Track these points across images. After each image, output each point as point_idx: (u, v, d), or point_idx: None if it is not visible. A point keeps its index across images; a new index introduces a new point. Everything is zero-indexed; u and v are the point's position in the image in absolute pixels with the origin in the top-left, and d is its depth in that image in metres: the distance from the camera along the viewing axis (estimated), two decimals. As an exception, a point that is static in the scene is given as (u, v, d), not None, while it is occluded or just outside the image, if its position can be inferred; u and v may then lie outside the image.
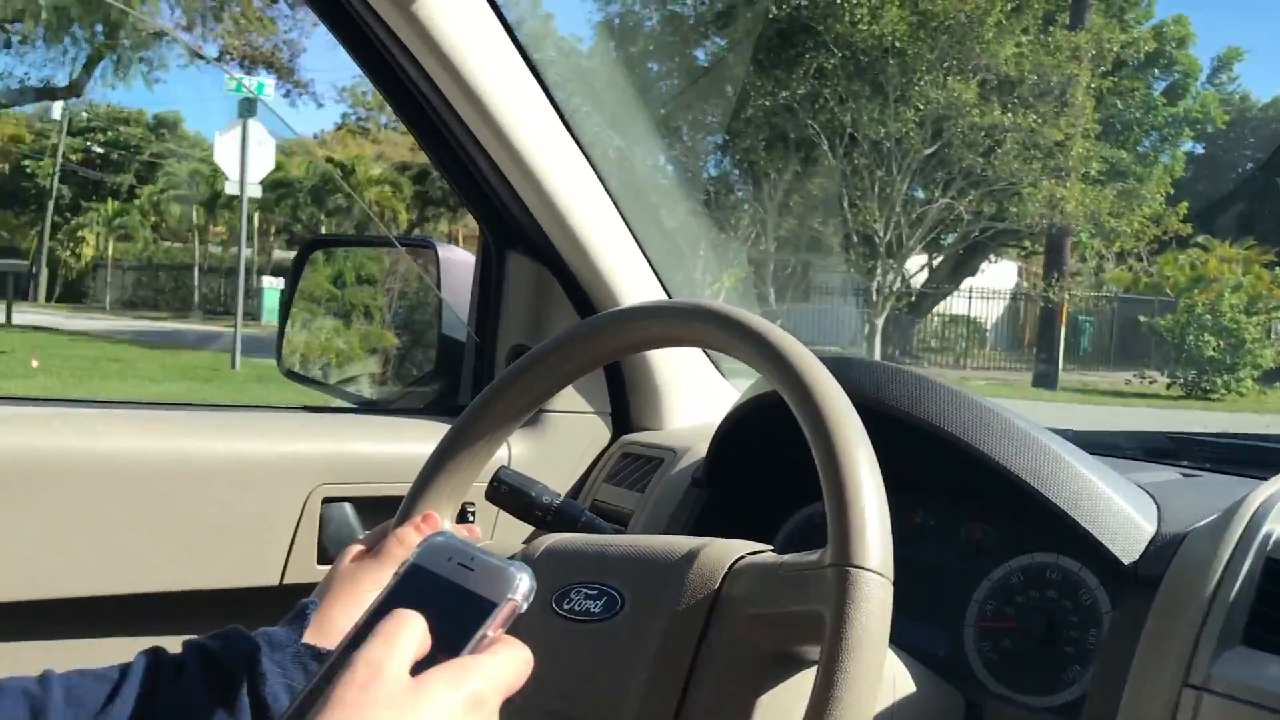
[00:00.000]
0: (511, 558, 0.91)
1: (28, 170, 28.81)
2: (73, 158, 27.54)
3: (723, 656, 0.76)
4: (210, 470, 1.27)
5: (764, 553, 0.81)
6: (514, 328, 1.53)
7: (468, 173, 1.44)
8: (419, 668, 0.58)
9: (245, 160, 14.54)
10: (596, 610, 0.82)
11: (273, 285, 26.41)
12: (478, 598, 0.61)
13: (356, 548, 0.97)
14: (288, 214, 29.97)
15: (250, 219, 30.37)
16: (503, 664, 0.60)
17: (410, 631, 0.59)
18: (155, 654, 0.86)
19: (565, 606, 0.84)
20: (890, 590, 0.68)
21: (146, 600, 1.22)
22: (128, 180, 29.17)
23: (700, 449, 1.32)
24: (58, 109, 27.43)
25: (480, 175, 1.43)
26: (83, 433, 1.22)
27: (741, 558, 0.80)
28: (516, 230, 1.50)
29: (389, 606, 0.61)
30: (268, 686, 0.84)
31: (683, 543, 0.84)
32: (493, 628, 0.60)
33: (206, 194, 28.86)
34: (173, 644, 0.89)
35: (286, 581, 1.30)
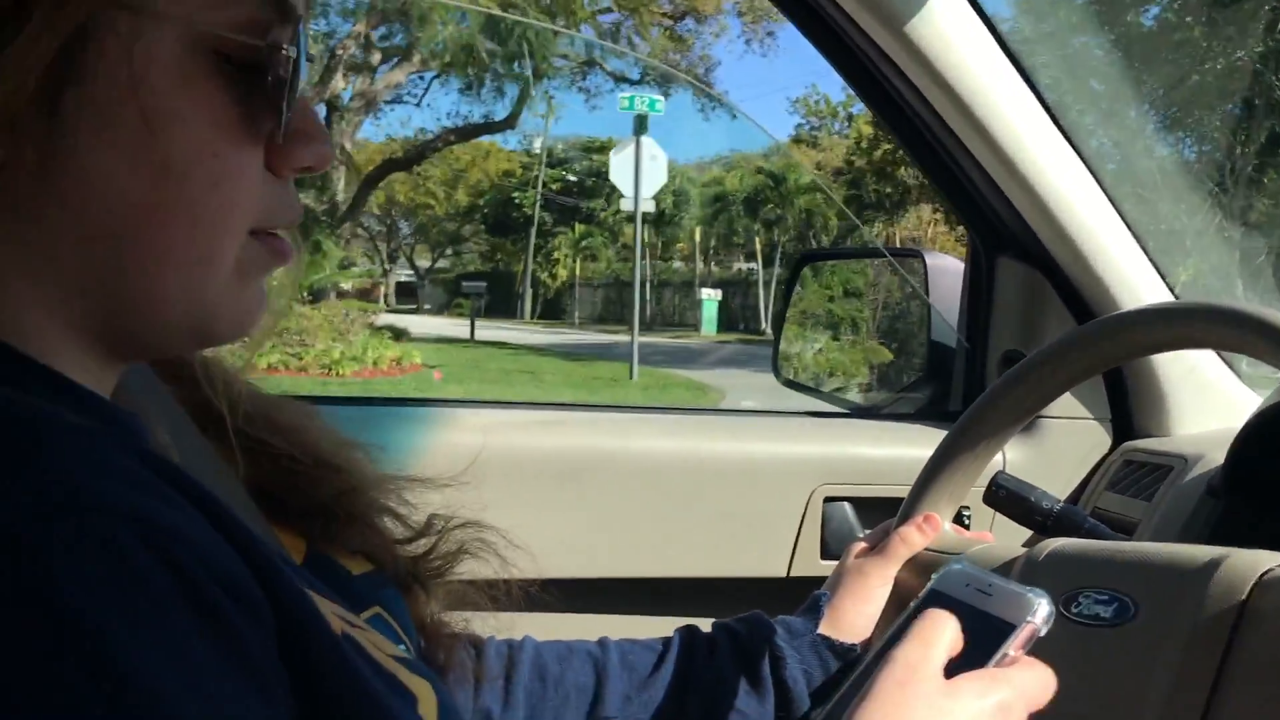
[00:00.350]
0: (1014, 560, 0.93)
1: (516, 200, 32.32)
2: (553, 187, 30.44)
3: (1252, 671, 0.73)
4: (724, 469, 1.40)
5: None
6: (1005, 333, 1.52)
7: (955, 179, 1.46)
8: (946, 675, 0.61)
9: (639, 177, 14.96)
10: (1108, 616, 0.81)
11: (710, 296, 27.29)
12: (997, 620, 0.63)
13: (860, 545, 1.03)
14: (724, 226, 30.88)
15: (691, 234, 31.79)
16: (1030, 679, 0.62)
17: (945, 633, 0.62)
18: (691, 631, 0.97)
19: (1074, 611, 0.84)
20: None
21: (673, 584, 1.38)
22: (597, 204, 31.72)
23: (1214, 457, 1.24)
24: (538, 143, 30.43)
25: (968, 181, 1.44)
26: (620, 434, 1.40)
27: (1272, 570, 0.76)
28: (1006, 235, 1.48)
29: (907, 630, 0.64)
30: (788, 670, 0.93)
31: (1201, 551, 0.80)
32: (1014, 648, 0.62)
33: (654, 213, 30.71)
34: (697, 625, 1.00)
35: (793, 574, 1.41)
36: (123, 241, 0.50)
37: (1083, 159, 1.37)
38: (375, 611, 0.67)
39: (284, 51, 0.52)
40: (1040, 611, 0.62)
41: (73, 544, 0.40)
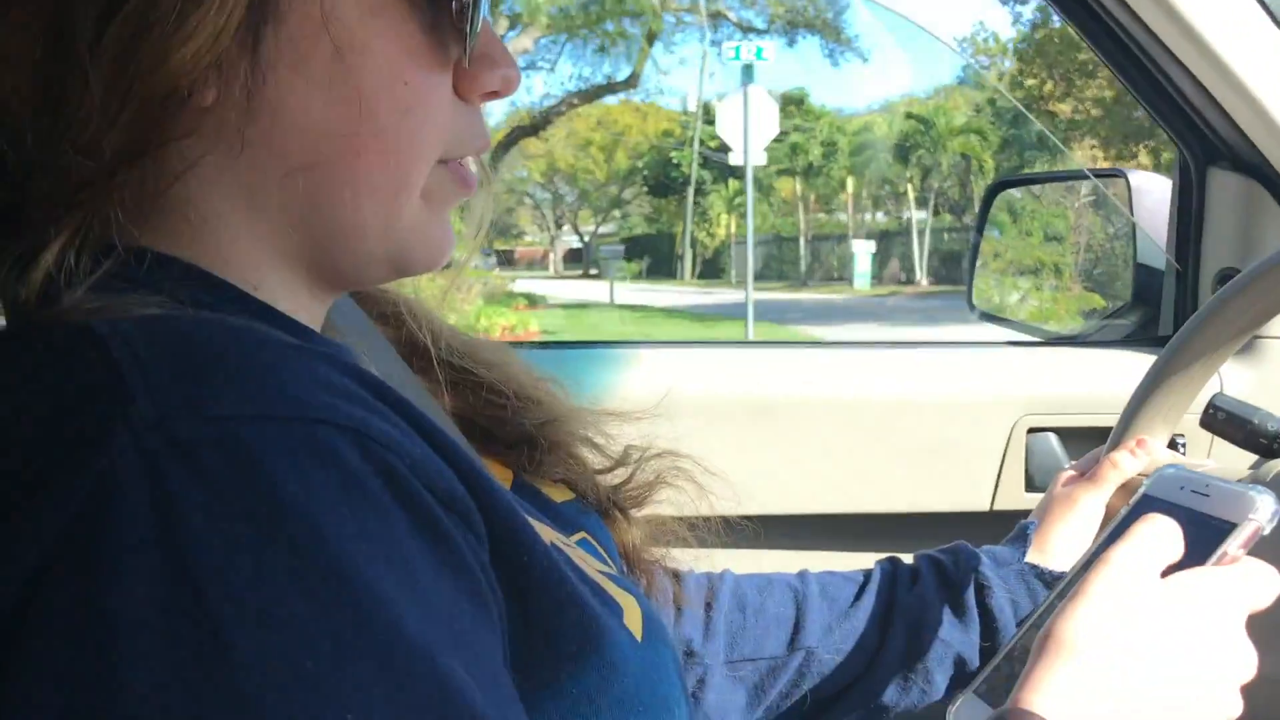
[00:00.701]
0: (1240, 480, 0.89)
1: (674, 160, 32.00)
2: (710, 144, 30.15)
3: None
4: (923, 402, 1.38)
5: None
6: (1220, 250, 1.43)
7: (1161, 89, 1.38)
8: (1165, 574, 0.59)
9: (748, 128, 14.24)
10: None
11: (862, 249, 26.33)
12: (1217, 520, 0.61)
13: (1068, 473, 0.99)
14: (876, 175, 29.77)
15: (843, 184, 30.78)
16: (1252, 577, 0.59)
17: (1163, 533, 0.60)
18: (893, 562, 0.95)
19: None
20: None
21: (877, 519, 1.37)
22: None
23: None
24: (692, 101, 29.93)
25: (1176, 90, 1.36)
26: (816, 370, 1.40)
27: None
28: (1219, 144, 1.40)
29: (1120, 535, 0.62)
30: (994, 598, 0.90)
31: None
32: (1235, 546, 0.60)
33: (804, 165, 29.72)
34: (901, 558, 0.99)
35: (997, 507, 1.37)
36: (322, 172, 0.52)
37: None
38: (581, 535, 0.69)
39: None
40: (1265, 508, 0.60)
41: (293, 447, 0.42)
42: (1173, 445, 1.21)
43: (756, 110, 14.93)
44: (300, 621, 0.39)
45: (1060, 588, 0.65)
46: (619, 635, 0.54)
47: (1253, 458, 1.09)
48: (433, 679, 0.41)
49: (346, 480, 0.43)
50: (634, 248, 35.87)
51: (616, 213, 37.39)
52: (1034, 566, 0.92)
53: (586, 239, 37.78)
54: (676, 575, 0.86)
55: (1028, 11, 24.09)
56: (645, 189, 34.91)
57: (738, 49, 16.55)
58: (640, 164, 33.55)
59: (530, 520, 0.53)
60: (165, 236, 0.52)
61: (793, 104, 31.21)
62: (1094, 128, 21.99)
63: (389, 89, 0.52)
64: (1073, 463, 1.01)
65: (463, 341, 0.75)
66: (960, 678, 0.91)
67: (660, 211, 35.01)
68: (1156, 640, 0.56)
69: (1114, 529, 0.64)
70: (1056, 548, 0.94)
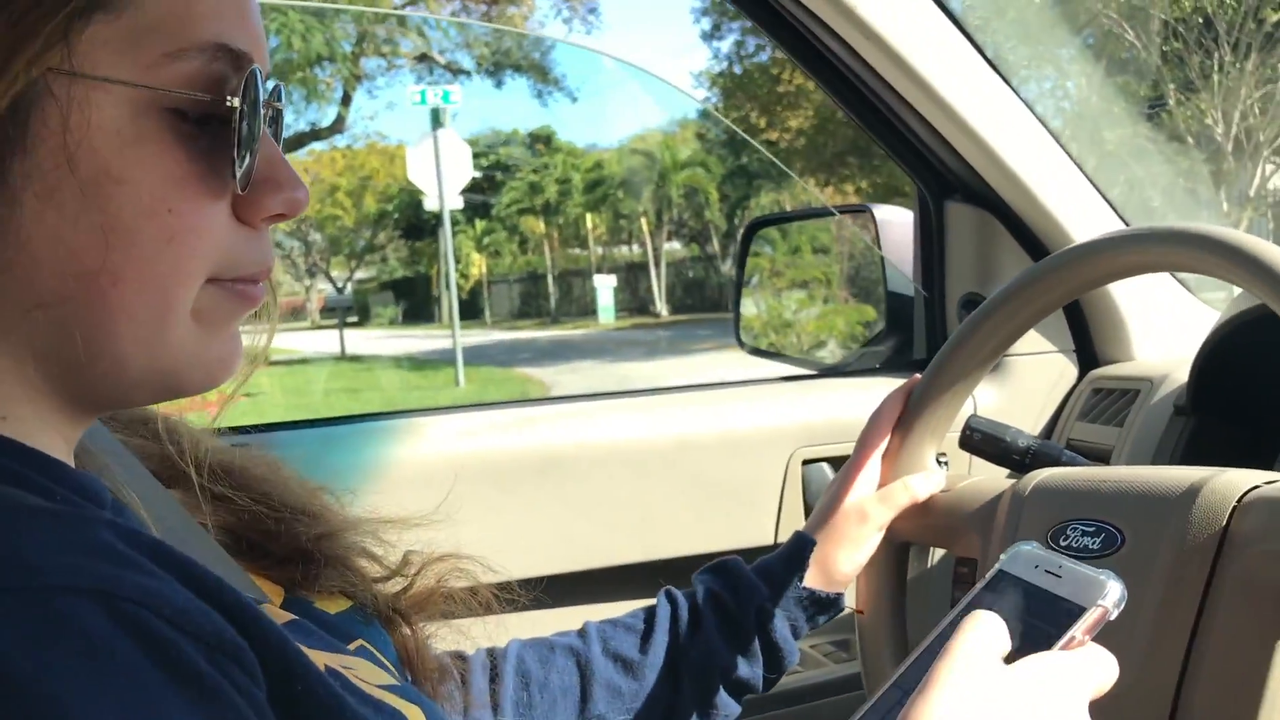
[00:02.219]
0: (1000, 496, 0.94)
1: (424, 202, 31.89)
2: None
3: (1236, 594, 0.74)
4: (701, 443, 1.39)
5: (1276, 483, 0.78)
6: (962, 277, 1.53)
7: (894, 129, 1.47)
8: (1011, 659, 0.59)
9: (441, 173, 14.13)
10: (1095, 546, 0.83)
11: (605, 284, 27.21)
12: (1066, 603, 0.61)
13: (861, 489, 0.98)
14: (610, 211, 30.84)
15: (579, 221, 31.73)
16: (1096, 662, 0.60)
17: (992, 629, 0.59)
18: (672, 603, 0.94)
19: (1062, 543, 0.85)
20: None
21: (665, 565, 1.37)
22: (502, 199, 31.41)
23: (1179, 376, 1.26)
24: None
25: (908, 130, 1.45)
26: (593, 422, 1.38)
27: (1253, 489, 0.77)
28: (952, 179, 1.50)
29: (974, 607, 0.63)
30: (777, 632, 0.92)
31: (1182, 475, 0.82)
32: (1081, 630, 0.60)
33: (541, 204, 30.38)
34: (679, 595, 0.97)
35: (780, 540, 1.40)
36: (75, 304, 0.50)
37: (1021, 100, 1.39)
38: (360, 644, 0.67)
39: (235, 103, 0.52)
40: (1112, 595, 0.60)
41: (27, 620, 0.40)
42: (939, 464, 1.28)
43: (449, 154, 14.72)
44: None
45: (906, 665, 0.64)
46: None
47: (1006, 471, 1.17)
48: None
49: (90, 648, 0.41)
50: (392, 291, 35.18)
51: (373, 257, 36.52)
52: (812, 591, 0.94)
53: (342, 286, 36.69)
54: (460, 666, 0.85)
55: (725, 47, 25.31)
56: (399, 232, 34.31)
57: (423, 93, 16.22)
58: (390, 207, 32.92)
59: (304, 647, 0.52)
60: None
61: (540, 142, 31.52)
62: (799, 154, 23.27)
63: (150, 218, 0.51)
64: (851, 469, 1.00)
65: (230, 456, 0.72)
66: (750, 694, 0.93)
67: (417, 254, 34.48)
68: None
69: (968, 603, 0.65)
70: (836, 567, 0.96)
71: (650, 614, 0.94)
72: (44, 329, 0.50)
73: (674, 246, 31.27)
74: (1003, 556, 0.66)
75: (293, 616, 0.62)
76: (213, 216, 0.53)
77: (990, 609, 0.61)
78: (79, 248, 0.49)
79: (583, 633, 0.94)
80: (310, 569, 0.69)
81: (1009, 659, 0.59)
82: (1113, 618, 0.61)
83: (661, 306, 29.28)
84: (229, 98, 0.52)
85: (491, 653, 0.90)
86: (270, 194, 0.56)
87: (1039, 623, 0.61)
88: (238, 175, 0.53)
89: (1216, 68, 13.83)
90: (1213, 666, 0.73)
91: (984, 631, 0.59)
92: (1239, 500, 0.76)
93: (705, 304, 28.23)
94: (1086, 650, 0.60)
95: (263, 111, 0.54)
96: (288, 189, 0.56)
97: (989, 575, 0.66)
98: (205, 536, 0.66)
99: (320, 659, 0.54)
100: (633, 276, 31.14)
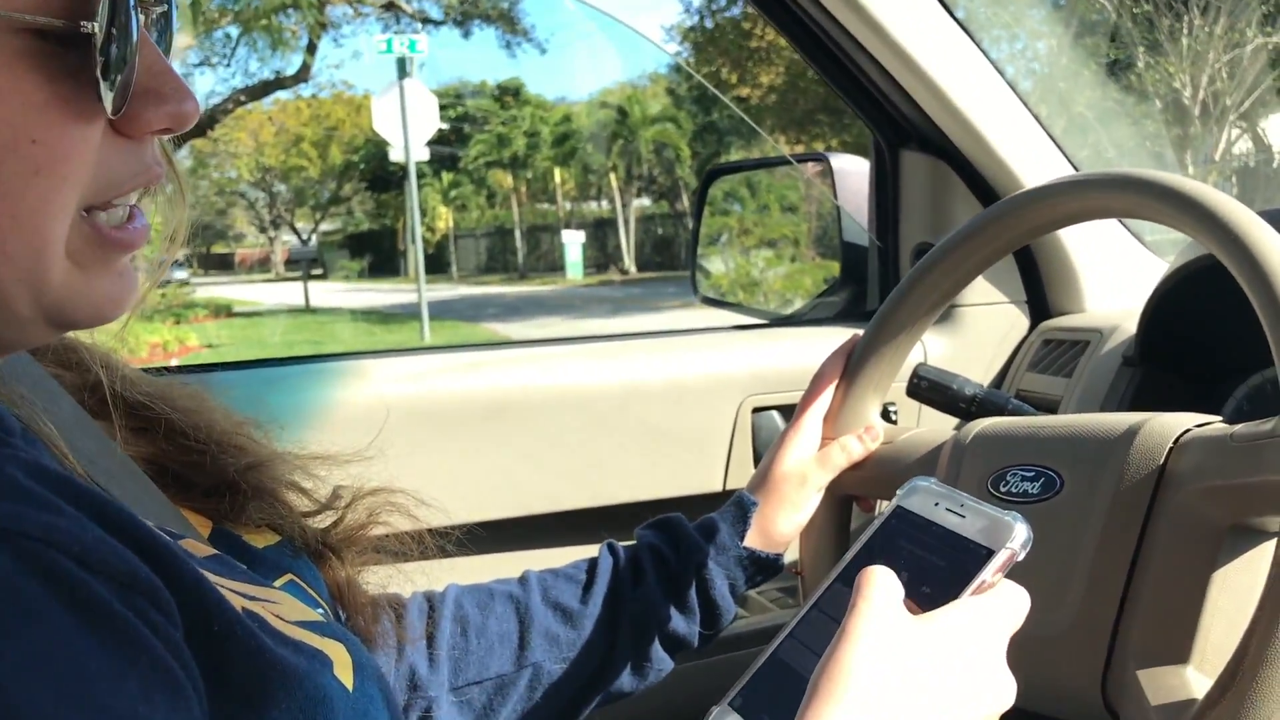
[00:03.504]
0: (942, 446, 0.94)
1: (388, 150, 31.50)
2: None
3: (1172, 531, 0.75)
4: (651, 391, 1.39)
5: (1211, 424, 0.78)
6: (916, 227, 1.53)
7: (852, 77, 1.46)
8: (926, 606, 0.58)
9: (406, 123, 14.02)
10: (1034, 491, 0.83)
11: (572, 240, 27.13)
12: (972, 544, 0.60)
13: (793, 448, 0.99)
14: (579, 166, 30.66)
15: (547, 176, 31.54)
16: (1009, 604, 0.59)
17: (891, 584, 0.57)
18: (614, 554, 0.94)
19: (1002, 489, 0.85)
20: None
21: (615, 510, 1.37)
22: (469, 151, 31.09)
23: (1128, 327, 1.27)
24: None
25: (866, 79, 1.44)
26: (543, 368, 1.37)
27: (1187, 430, 0.78)
28: (908, 128, 1.49)
29: (876, 547, 0.62)
30: (715, 590, 0.92)
31: (1120, 419, 0.82)
32: (991, 573, 0.59)
33: (509, 157, 30.13)
34: (620, 547, 0.97)
35: (729, 487, 1.41)
36: None
37: (975, 44, 1.38)
38: (289, 578, 0.66)
39: (91, 28, 0.48)
40: (1019, 537, 0.59)
41: None
42: (886, 414, 1.27)
43: (415, 104, 14.51)
44: None
45: (817, 596, 0.64)
46: (329, 689, 0.53)
47: (955, 420, 1.17)
48: None
49: None
50: (358, 244, 34.87)
51: (339, 209, 36.10)
52: (752, 551, 0.94)
53: (307, 237, 36.30)
54: (396, 607, 0.84)
55: (697, 0, 25.09)
56: (364, 184, 33.94)
57: (389, 41, 15.84)
58: (356, 158, 32.52)
59: (221, 582, 0.52)
60: None
61: (509, 94, 31.19)
62: (770, 111, 23.21)
63: (13, 150, 0.47)
64: (789, 431, 1.00)
65: (152, 384, 0.70)
66: (685, 652, 0.94)
67: (383, 206, 34.12)
68: (923, 676, 0.55)
69: (867, 540, 0.64)
70: (777, 528, 0.96)
71: (592, 565, 0.94)
72: None
73: (643, 203, 31.17)
74: (899, 492, 0.65)
75: (216, 551, 0.61)
76: (83, 141, 0.50)
77: (891, 548, 0.61)
78: None
79: (523, 580, 0.94)
80: (236, 500, 0.68)
81: (919, 603, 0.58)
82: (1020, 559, 0.60)
83: (630, 263, 29.23)
84: (83, 22, 0.48)
85: (429, 596, 0.90)
86: (153, 107, 0.52)
87: (943, 564, 0.60)
88: (107, 99, 0.49)
89: (1185, 31, 13.86)
90: (1149, 602, 0.74)
91: (884, 588, 0.57)
92: (1175, 441, 0.77)
93: (674, 261, 28.20)
94: (998, 592, 0.60)
95: (137, 19, 0.50)
96: (173, 101, 0.53)
97: (886, 511, 0.65)
98: (131, 467, 0.64)
99: (238, 601, 0.53)
100: (601, 233, 31.04)
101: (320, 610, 0.63)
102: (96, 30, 0.48)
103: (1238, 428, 0.74)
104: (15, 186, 0.47)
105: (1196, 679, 0.71)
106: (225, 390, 0.81)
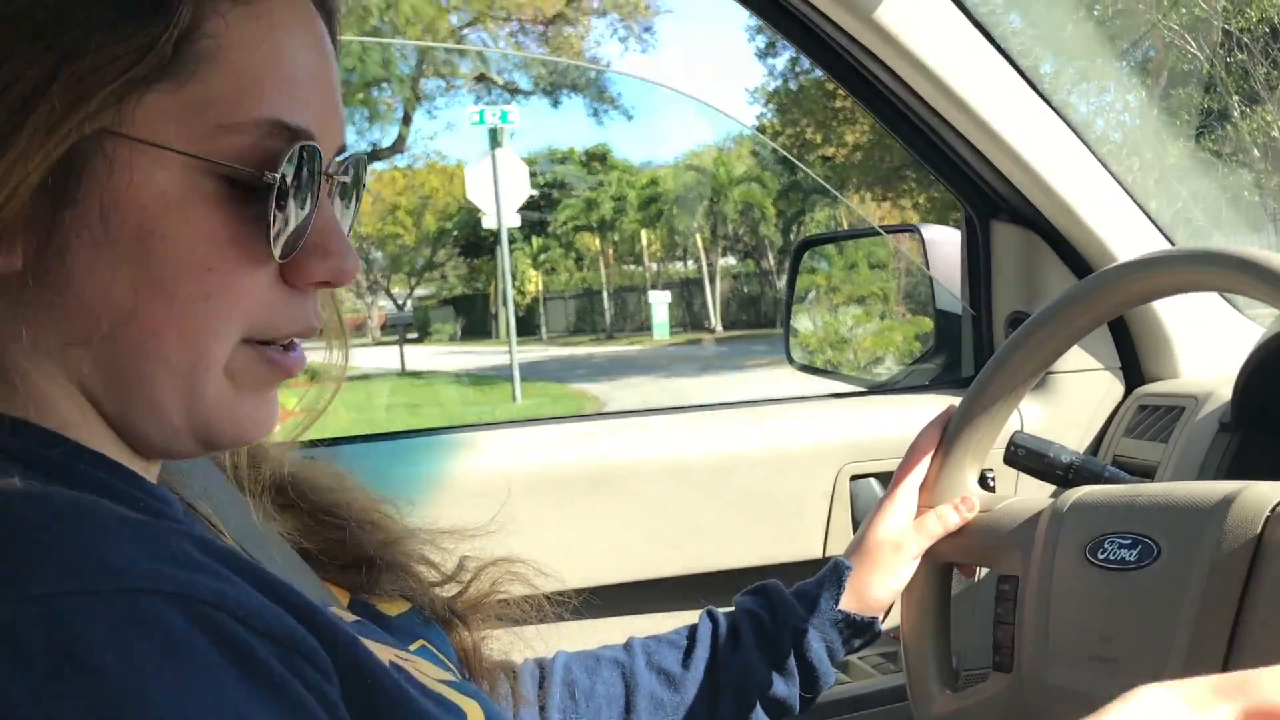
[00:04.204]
0: (1040, 513, 0.96)
1: (482, 219, 31.94)
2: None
3: (1272, 599, 0.75)
4: (751, 459, 1.43)
5: None
6: (1009, 296, 1.55)
7: (940, 151, 1.49)
8: None
9: (499, 192, 14.23)
10: (1132, 559, 0.84)
11: (659, 300, 27.08)
12: None
13: (889, 516, 1.01)
14: (666, 227, 30.73)
15: (634, 238, 31.66)
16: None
17: None
18: (713, 620, 0.98)
19: (1100, 556, 0.87)
20: None
21: (712, 578, 1.40)
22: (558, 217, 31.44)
23: (1224, 393, 1.27)
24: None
25: (953, 152, 1.48)
26: (646, 437, 1.42)
27: None
28: (997, 199, 1.52)
29: None
30: (812, 652, 0.95)
31: (1217, 488, 0.83)
32: None
33: (596, 221, 30.35)
34: (719, 613, 1.01)
35: (828, 554, 1.43)
36: (116, 347, 0.54)
37: (1061, 116, 1.41)
38: (421, 644, 0.71)
39: (273, 179, 0.54)
40: None
41: (112, 619, 0.43)
42: (984, 481, 1.30)
43: (506, 173, 14.78)
44: None
45: None
46: None
47: (1051, 488, 1.18)
48: None
49: (170, 647, 0.43)
50: (451, 308, 35.55)
51: (433, 274, 36.87)
52: (847, 615, 0.96)
53: (403, 303, 37.12)
54: (513, 673, 0.88)
55: (780, 64, 25.27)
56: (458, 250, 34.67)
57: (481, 114, 16.26)
58: (449, 225, 33.29)
59: (369, 643, 0.55)
60: None
61: (596, 160, 31.67)
62: (856, 170, 23.13)
63: (189, 275, 0.53)
64: (886, 500, 1.03)
65: (297, 465, 0.76)
66: (788, 717, 0.96)
67: (476, 271, 34.77)
68: None
69: None
70: (872, 593, 0.98)
71: (692, 631, 0.97)
72: (85, 366, 0.54)
73: (729, 262, 31.21)
74: None
75: (357, 618, 0.66)
76: (252, 278, 0.56)
77: None
78: (119, 296, 0.52)
79: (628, 646, 0.97)
80: (373, 574, 0.74)
81: None
82: None
83: (716, 322, 29.22)
84: (267, 173, 0.54)
85: (540, 662, 0.94)
86: (317, 261, 0.58)
87: None
88: (276, 246, 0.55)
89: (1282, 78, 13.53)
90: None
91: None
92: (1272, 510, 0.78)
93: (760, 319, 28.13)
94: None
95: (320, 182, 0.57)
96: (336, 258, 0.59)
97: None
98: (280, 541, 0.70)
99: (385, 654, 0.57)
100: (687, 292, 31.13)
101: (451, 672, 0.68)
102: (276, 183, 0.55)
103: None
104: (186, 305, 0.54)
105: None
106: (350, 462, 0.88)
